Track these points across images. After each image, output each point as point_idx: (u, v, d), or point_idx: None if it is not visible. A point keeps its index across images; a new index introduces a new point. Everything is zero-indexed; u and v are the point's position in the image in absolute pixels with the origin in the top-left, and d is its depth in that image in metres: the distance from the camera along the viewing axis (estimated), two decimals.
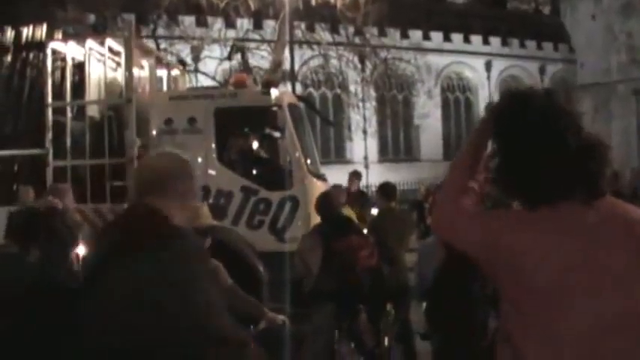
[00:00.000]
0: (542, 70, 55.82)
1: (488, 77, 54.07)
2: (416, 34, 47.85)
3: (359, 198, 14.22)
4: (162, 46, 28.84)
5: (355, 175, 15.66)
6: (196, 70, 30.34)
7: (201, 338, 2.90)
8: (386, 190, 10.07)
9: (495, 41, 54.38)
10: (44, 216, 4.99)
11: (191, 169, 3.31)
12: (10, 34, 12.66)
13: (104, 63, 12.55)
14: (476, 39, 53.48)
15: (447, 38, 51.88)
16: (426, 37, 49.51)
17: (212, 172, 11.78)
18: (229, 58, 31.56)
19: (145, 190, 3.16)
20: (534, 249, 2.39)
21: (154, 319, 2.87)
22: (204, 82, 29.12)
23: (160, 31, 30.36)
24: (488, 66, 54.01)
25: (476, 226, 2.56)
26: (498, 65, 54.41)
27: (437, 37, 50.86)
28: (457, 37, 52.49)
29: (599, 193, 2.44)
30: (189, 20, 32.94)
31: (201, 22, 33.49)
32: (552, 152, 2.42)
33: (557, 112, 2.48)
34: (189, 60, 30.27)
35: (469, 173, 2.66)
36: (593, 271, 2.36)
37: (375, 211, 12.18)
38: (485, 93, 53.23)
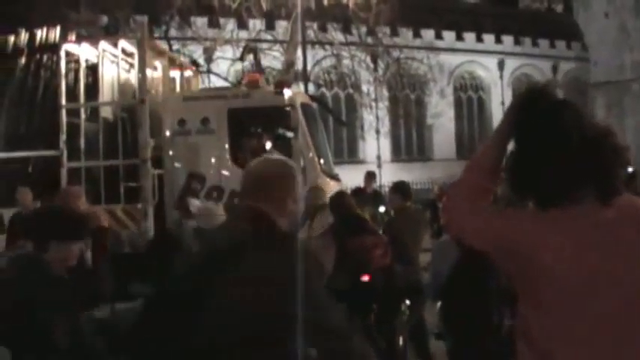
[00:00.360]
0: (555, 69, 55.63)
1: (501, 76, 53.96)
2: (428, 34, 47.79)
3: (373, 198, 14.19)
4: (175, 47, 28.85)
5: (372, 176, 15.69)
6: (209, 71, 30.36)
7: (314, 331, 3.09)
8: (401, 189, 10.03)
9: (508, 40, 54.24)
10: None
11: (292, 175, 3.44)
12: (24, 36, 12.71)
13: (117, 64, 12.60)
14: (488, 38, 53.37)
15: (459, 37, 51.78)
16: (439, 37, 49.40)
17: (225, 172, 11.81)
18: (242, 58, 31.53)
19: (249, 194, 3.36)
20: (549, 248, 2.38)
21: (268, 317, 3.03)
22: (217, 82, 29.15)
23: (173, 32, 30.37)
24: (500, 65, 53.90)
25: (488, 225, 2.55)
26: (511, 64, 54.28)
27: (449, 36, 50.76)
28: (469, 36, 52.39)
29: (613, 190, 2.43)
30: (201, 21, 32.96)
31: (213, 23, 33.52)
32: (558, 151, 2.41)
33: (563, 111, 2.47)
34: (201, 61, 30.31)
35: (489, 176, 2.65)
36: (608, 270, 2.36)
37: (382, 209, 12.14)
38: (497, 92, 53.10)
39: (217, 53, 32.12)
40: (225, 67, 32.60)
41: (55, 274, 4.55)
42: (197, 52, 31.44)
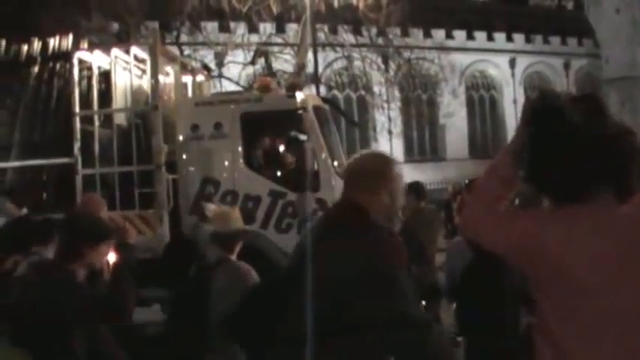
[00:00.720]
0: (566, 66, 55.53)
1: (513, 74, 53.90)
2: (439, 34, 47.74)
3: None
4: (186, 52, 28.96)
5: None
6: (220, 76, 30.43)
7: (397, 319, 3.22)
8: (416, 189, 10.02)
9: (519, 38, 54.17)
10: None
11: (388, 169, 3.57)
12: (37, 45, 12.77)
13: (130, 71, 12.64)
14: (499, 36, 53.30)
15: (470, 36, 51.74)
16: (449, 36, 49.38)
17: (239, 176, 11.81)
18: (253, 62, 31.63)
19: (348, 186, 3.55)
20: (564, 247, 2.38)
21: (358, 301, 3.18)
22: (229, 87, 29.19)
23: (184, 38, 30.45)
24: (512, 63, 53.84)
25: (505, 227, 2.56)
26: (522, 62, 54.20)
27: (460, 35, 50.72)
28: (480, 35, 52.32)
29: (629, 188, 2.44)
30: (212, 26, 33.01)
31: (224, 28, 33.58)
32: (566, 149, 2.42)
33: (572, 109, 2.47)
34: (212, 65, 30.36)
35: (505, 184, 2.65)
36: (622, 268, 2.36)
37: None
38: (509, 90, 53.05)
39: (228, 58, 32.21)
40: (237, 71, 32.67)
41: (77, 281, 4.59)
42: (208, 56, 31.57)
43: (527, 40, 54.63)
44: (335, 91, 44.61)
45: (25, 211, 10.51)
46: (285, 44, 33.15)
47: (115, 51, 12.61)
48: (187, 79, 14.38)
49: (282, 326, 3.36)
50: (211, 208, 9.73)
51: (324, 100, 19.28)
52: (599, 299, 2.35)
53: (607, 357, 2.36)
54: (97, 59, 12.30)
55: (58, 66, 12.59)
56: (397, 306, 3.23)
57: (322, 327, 3.16)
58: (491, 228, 2.59)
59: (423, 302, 8.42)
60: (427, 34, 45.67)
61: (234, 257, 5.86)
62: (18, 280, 5.19)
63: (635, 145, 2.46)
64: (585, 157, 2.40)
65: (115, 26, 27.32)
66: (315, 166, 11.81)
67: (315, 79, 28.54)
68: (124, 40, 23.26)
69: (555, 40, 55.57)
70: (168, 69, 13.32)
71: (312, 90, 26.58)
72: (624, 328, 2.35)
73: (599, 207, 2.41)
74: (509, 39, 53.86)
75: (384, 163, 3.60)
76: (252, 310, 3.62)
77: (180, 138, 12.14)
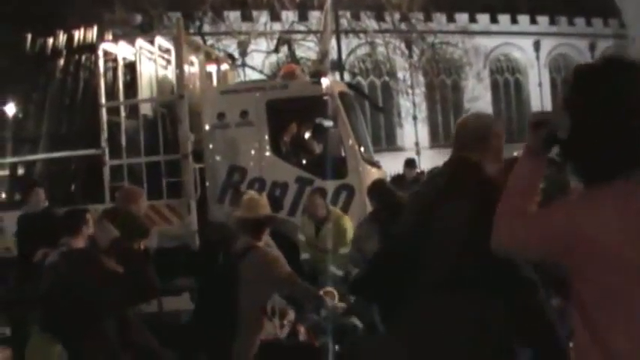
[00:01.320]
0: (592, 47, 54.93)
1: (538, 57, 53.46)
2: (462, 18, 47.44)
3: (413, 185, 14.14)
4: (209, 42, 28.98)
5: (411, 163, 15.72)
6: (244, 65, 30.45)
7: (512, 276, 3.31)
8: None
9: (543, 20, 53.66)
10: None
11: (493, 125, 3.70)
12: (62, 38, 12.85)
13: (155, 61, 12.68)
14: (523, 19, 52.85)
15: (493, 20, 51.37)
16: (473, 20, 49.05)
17: (266, 163, 11.83)
18: (276, 50, 31.62)
19: (460, 146, 3.66)
20: (598, 226, 2.36)
21: (472, 256, 3.24)
22: (252, 75, 29.21)
23: (206, 28, 30.51)
24: (536, 46, 53.40)
25: (537, 228, 2.51)
26: (547, 44, 53.74)
27: (483, 19, 50.37)
28: (504, 18, 51.93)
29: None
30: (234, 15, 33.02)
31: (246, 17, 33.54)
32: (606, 129, 2.39)
33: (613, 89, 2.44)
34: (236, 55, 30.38)
35: (527, 198, 2.61)
36: None
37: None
38: (534, 73, 52.66)
39: (251, 46, 32.19)
40: (260, 60, 32.70)
41: (108, 269, 4.62)
42: (231, 46, 31.58)
43: (552, 22, 54.10)
44: (359, 78, 44.50)
45: (46, 203, 10.61)
46: (308, 32, 33.05)
47: (140, 42, 12.65)
48: (212, 68, 14.41)
49: (409, 279, 3.41)
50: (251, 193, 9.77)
51: (349, 85, 19.25)
52: (635, 276, 2.33)
53: None
54: (122, 50, 12.35)
55: (83, 58, 12.68)
56: (512, 264, 3.28)
57: (442, 280, 3.26)
58: (528, 238, 2.55)
59: None
60: (450, 19, 45.36)
61: (261, 244, 5.87)
62: (48, 269, 5.25)
63: None
64: (623, 138, 2.37)
65: (139, 18, 27.43)
66: (342, 152, 11.79)
67: (339, 65, 28.47)
68: (147, 31, 23.31)
69: (580, 22, 54.99)
70: (193, 58, 13.35)
71: (336, 77, 26.52)
72: None
73: (630, 185, 2.38)
74: (533, 21, 53.39)
75: (489, 121, 3.71)
76: (380, 267, 3.68)
77: (207, 127, 12.17)
